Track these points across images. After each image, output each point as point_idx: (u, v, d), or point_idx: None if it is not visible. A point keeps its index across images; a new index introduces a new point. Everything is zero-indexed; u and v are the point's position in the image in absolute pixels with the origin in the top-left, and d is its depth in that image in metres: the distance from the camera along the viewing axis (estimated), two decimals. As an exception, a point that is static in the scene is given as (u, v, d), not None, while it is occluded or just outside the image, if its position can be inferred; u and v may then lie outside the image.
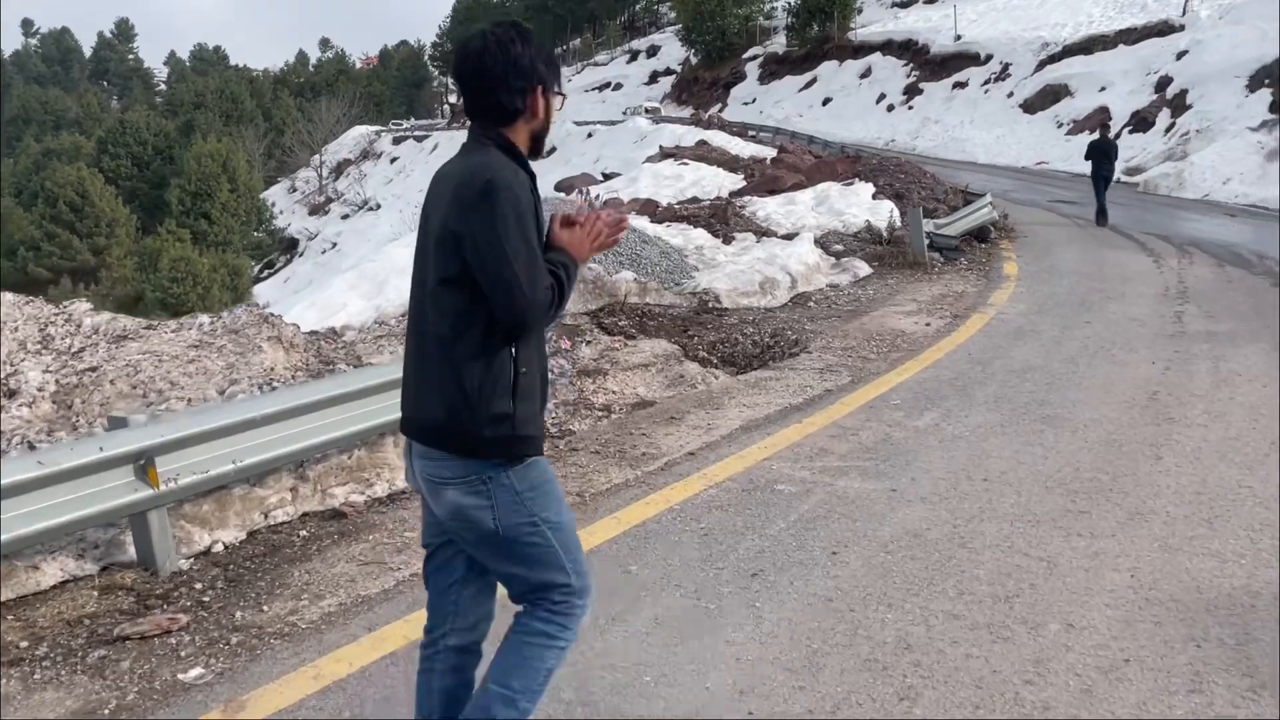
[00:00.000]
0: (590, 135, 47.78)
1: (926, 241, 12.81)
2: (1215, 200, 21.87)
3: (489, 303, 2.07)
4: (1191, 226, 16.58)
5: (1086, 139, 32.66)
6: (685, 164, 21.19)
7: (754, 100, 57.85)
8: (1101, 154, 17.08)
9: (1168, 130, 28.63)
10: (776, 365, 7.36)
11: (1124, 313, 8.99)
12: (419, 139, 72.66)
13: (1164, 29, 34.83)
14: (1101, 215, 16.65)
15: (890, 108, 46.67)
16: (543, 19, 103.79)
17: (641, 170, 20.88)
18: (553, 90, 2.21)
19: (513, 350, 2.12)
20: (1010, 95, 39.27)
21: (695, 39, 65.06)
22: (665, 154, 23.12)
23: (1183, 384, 6.45)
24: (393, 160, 70.24)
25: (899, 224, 13.51)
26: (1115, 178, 17.62)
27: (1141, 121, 30.39)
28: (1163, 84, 31.03)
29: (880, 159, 18.27)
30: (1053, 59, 38.83)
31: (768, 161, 22.91)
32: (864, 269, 11.69)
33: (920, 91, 45.76)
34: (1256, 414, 5.72)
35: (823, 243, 13.01)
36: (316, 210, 65.60)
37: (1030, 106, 37.37)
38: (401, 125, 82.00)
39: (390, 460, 4.85)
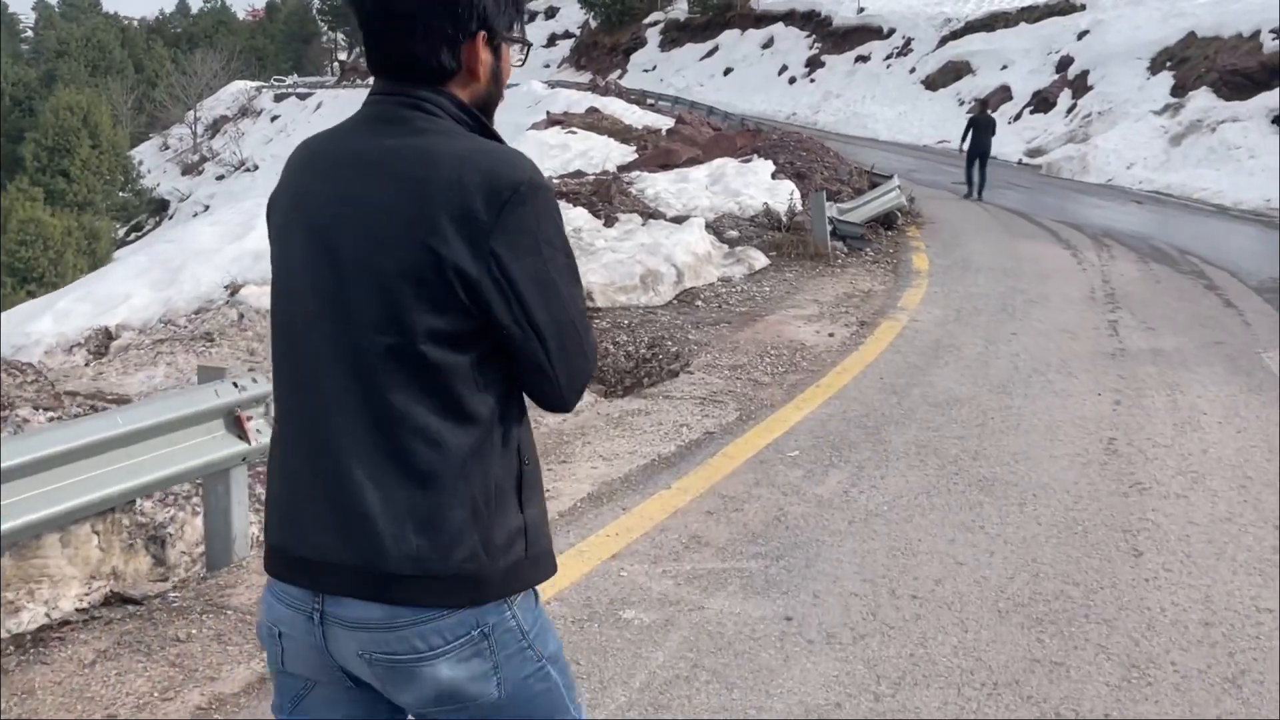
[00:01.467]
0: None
1: (829, 229, 11.56)
2: (1120, 185, 21.30)
3: (521, 377, 1.36)
4: (1101, 214, 15.76)
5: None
6: (574, 133, 19.58)
7: (655, 68, 56.30)
8: (979, 129, 17.86)
9: (1069, 111, 28.18)
10: (650, 390, 5.94)
11: (1052, 321, 7.84)
12: (302, 96, 69.40)
13: (1066, 8, 34.45)
14: (970, 190, 17.49)
15: (792, 80, 45.70)
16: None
17: (525, 138, 19.19)
18: (506, 36, 1.41)
19: (518, 436, 1.39)
20: (912, 71, 38.60)
21: (594, 2, 63.06)
22: (553, 121, 21.45)
23: (1140, 426, 5.25)
24: (273, 119, 66.74)
25: (800, 208, 12.22)
26: (993, 154, 18.71)
27: (1043, 102, 29.92)
28: (1064, 64, 30.60)
29: (780, 134, 17.02)
30: (955, 35, 38.26)
31: (663, 133, 21.47)
32: (760, 260, 10.35)
33: (822, 64, 44.85)
34: (1242, 476, 4.53)
35: (716, 227, 11.63)
36: (190, 170, 61.81)
37: (932, 83, 36.77)
38: (284, 81, 78.19)
39: (52, 570, 3.26)
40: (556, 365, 1.33)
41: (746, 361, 6.57)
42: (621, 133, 20.43)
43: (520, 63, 1.46)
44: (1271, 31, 22.85)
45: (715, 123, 28.69)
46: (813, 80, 44.43)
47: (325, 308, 1.32)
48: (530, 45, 1.49)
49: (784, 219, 11.96)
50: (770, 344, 7.07)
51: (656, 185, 13.58)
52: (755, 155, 14.72)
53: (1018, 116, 30.60)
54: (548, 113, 24.53)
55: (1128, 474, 4.54)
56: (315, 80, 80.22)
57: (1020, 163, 26.43)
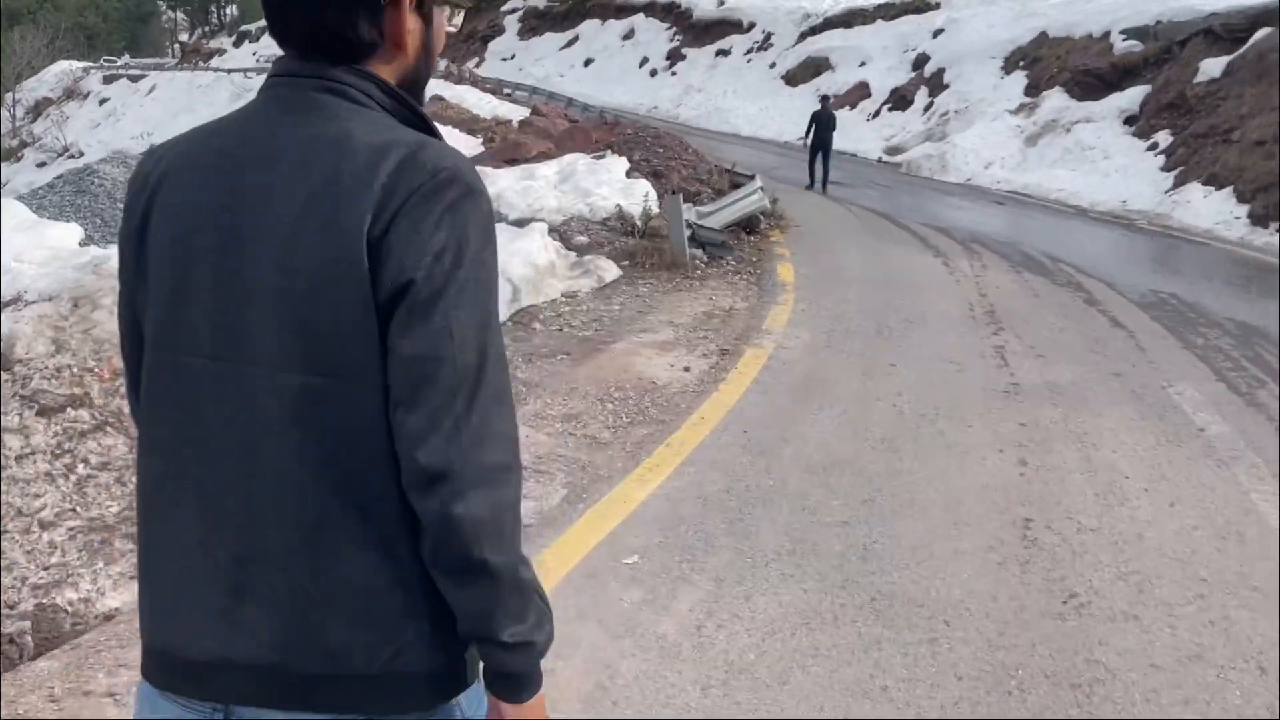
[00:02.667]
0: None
1: (688, 234, 10.48)
2: (979, 185, 21.09)
3: (401, 413, 1.05)
4: (965, 216, 15.25)
5: (847, 115, 32.04)
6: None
7: (513, 57, 54.55)
8: (821, 124, 18.59)
9: (926, 110, 28.11)
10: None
11: (933, 348, 6.92)
12: (134, 79, 65.01)
13: (921, 6, 34.58)
14: (812, 182, 18.13)
15: (653, 73, 44.82)
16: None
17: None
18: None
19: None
20: (773, 66, 38.23)
21: (452, -14, 60.73)
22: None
23: (1056, 499, 4.29)
24: (102, 101, 62.15)
25: (656, 210, 11.11)
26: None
27: (901, 99, 29.82)
28: (920, 62, 30.60)
29: (636, 128, 15.90)
30: (814, 31, 38.07)
31: (514, 124, 20.09)
32: (611, 271, 9.18)
33: (684, 57, 44.14)
34: (1195, 579, 3.58)
35: (563, 232, 10.41)
36: (8, 156, 56.77)
37: (793, 79, 36.47)
38: (115, 62, 73.25)
39: None
40: (450, 408, 1.04)
41: (584, 409, 5.37)
42: (468, 123, 18.98)
43: (456, 28, 1.24)
44: (1122, 32, 23.10)
45: (573, 115, 27.43)
46: (674, 73, 43.65)
47: (217, 346, 1.09)
48: (467, 7, 1.29)
49: (639, 223, 10.82)
50: (615, 383, 5.89)
51: (500, 183, 12.23)
52: (609, 151, 13.55)
53: (876, 114, 30.46)
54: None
55: (1057, 580, 3.53)
56: (155, 62, 75.66)
57: (880, 160, 26.17)
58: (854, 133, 30.05)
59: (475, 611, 1.09)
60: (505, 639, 1.09)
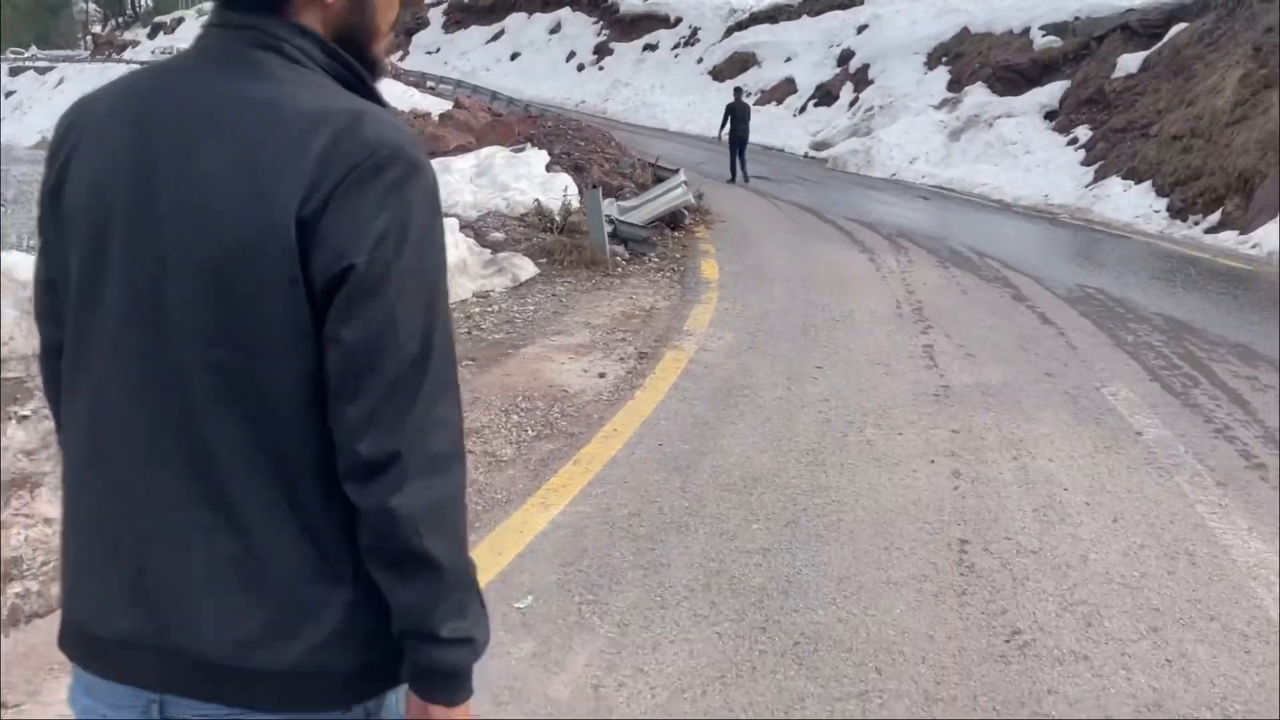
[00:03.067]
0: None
1: (609, 229, 10.07)
2: (904, 180, 21.04)
3: (341, 403, 1.00)
4: (891, 211, 15.09)
5: (774, 110, 31.94)
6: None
7: (438, 50, 53.58)
8: (736, 117, 18.65)
9: (852, 105, 28.08)
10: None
11: (860, 348, 6.60)
12: (41, 71, 62.64)
13: (846, 2, 34.58)
14: (734, 175, 18.26)
15: (581, 67, 44.35)
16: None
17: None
18: None
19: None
20: (700, 61, 38.03)
21: (373, -22, 59.47)
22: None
23: (993, 516, 3.96)
24: (7, 95, 59.70)
25: (576, 205, 10.66)
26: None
27: (827, 95, 29.78)
28: (845, 57, 30.61)
29: (558, 121, 15.39)
30: (740, 26, 37.97)
31: (434, 118, 19.45)
32: (527, 269, 8.72)
33: (611, 52, 43.72)
34: (1148, 608, 3.26)
35: (478, 229, 9.92)
36: (-99, 151, 54.04)
37: (720, 74, 36.27)
38: (21, 55, 70.45)
39: None
40: (390, 397, 0.99)
41: (487, 423, 4.91)
42: (383, 117, 18.24)
43: None
44: (1041, 28, 23.27)
45: (497, 109, 26.84)
46: (601, 68, 43.21)
47: (135, 315, 1.03)
48: None
49: (558, 218, 10.36)
50: (523, 391, 5.44)
51: (412, 178, 11.65)
52: (529, 144, 13.06)
53: (803, 109, 30.40)
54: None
55: (998, 614, 3.19)
56: (65, 54, 73.00)
57: (807, 155, 26.07)
58: (781, 128, 29.96)
59: (415, 605, 1.03)
60: (445, 634, 1.03)
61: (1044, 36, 23.11)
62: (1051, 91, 21.60)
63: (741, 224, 12.73)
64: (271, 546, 1.01)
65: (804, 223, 13.25)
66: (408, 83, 34.06)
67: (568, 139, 12.75)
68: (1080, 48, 21.98)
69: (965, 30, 26.30)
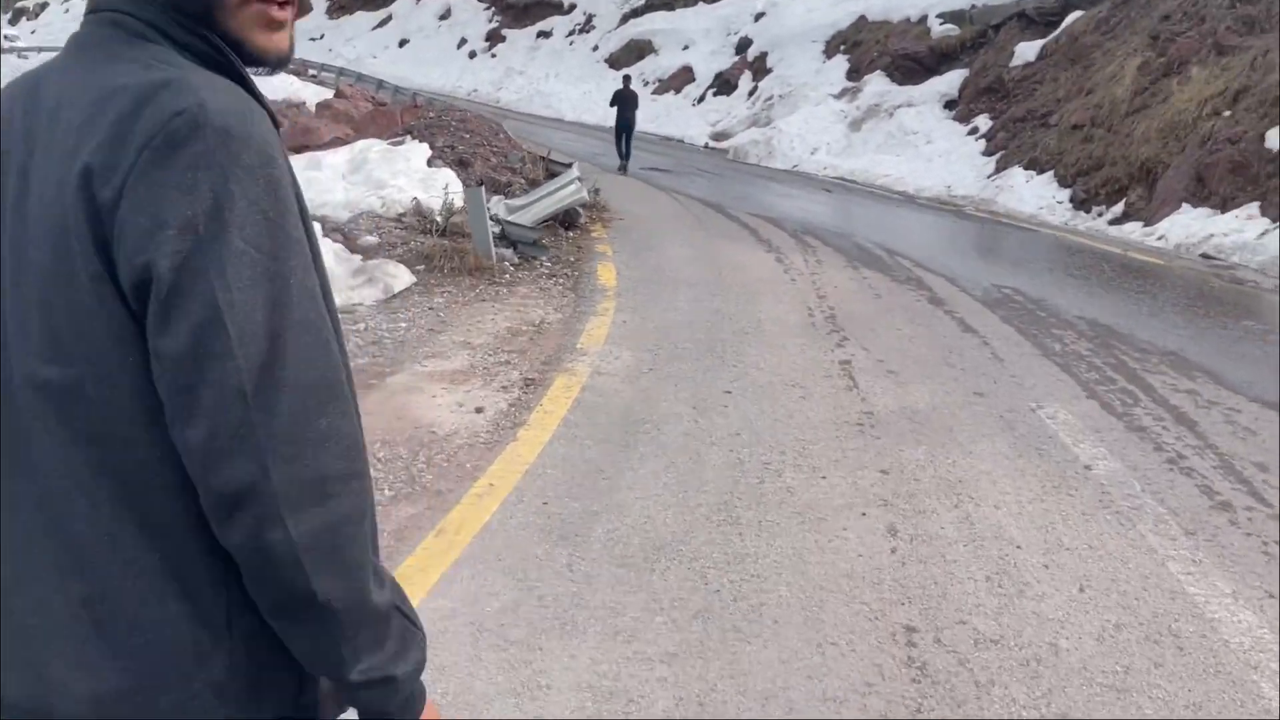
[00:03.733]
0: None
1: (495, 231, 9.24)
2: (806, 171, 20.65)
3: (178, 427, 0.87)
4: (795, 205, 14.58)
5: (673, 100, 31.34)
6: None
7: (322, 36, 51.70)
8: (624, 104, 18.67)
9: (751, 94, 27.64)
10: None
11: (773, 366, 5.94)
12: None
13: (743, -11, 34.19)
14: (622, 162, 18.27)
15: (472, 54, 43.14)
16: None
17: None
18: None
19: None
20: (595, 49, 37.24)
21: (253, -39, 57.02)
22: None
23: (942, 590, 3.31)
24: None
25: (460, 205, 9.78)
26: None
27: (725, 84, 29.29)
28: (743, 45, 30.17)
29: (441, 111, 14.38)
30: (636, 13, 37.28)
31: (309, 108, 18.22)
32: (403, 278, 7.82)
33: (503, 39, 42.64)
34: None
35: (348, 232, 8.97)
36: None
37: (616, 62, 35.55)
38: None
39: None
40: (199, 407, 0.84)
41: (334, 479, 4.06)
42: (255, 107, 16.96)
43: None
44: (938, 16, 23.15)
45: (381, 98, 25.57)
46: (494, 55, 42.07)
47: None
48: None
49: (439, 219, 9.46)
50: (384, 435, 4.60)
51: (279, 175, 10.60)
52: (409, 137, 12.08)
53: (701, 99, 29.86)
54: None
55: (967, 746, 2.52)
56: None
57: (707, 146, 25.52)
58: (680, 118, 29.37)
59: (314, 650, 0.91)
60: (355, 678, 0.92)
61: (942, 24, 22.99)
62: (950, 80, 21.47)
63: (642, 221, 12.01)
64: (125, 587, 0.89)
65: (707, 219, 12.60)
66: (287, 71, 32.58)
67: (451, 131, 11.83)
68: (978, 36, 21.90)
69: (863, 18, 26.07)
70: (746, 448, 4.56)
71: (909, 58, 22.82)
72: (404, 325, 6.68)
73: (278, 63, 1.01)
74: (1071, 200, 15.31)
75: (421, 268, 8.19)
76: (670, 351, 6.20)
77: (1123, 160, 14.86)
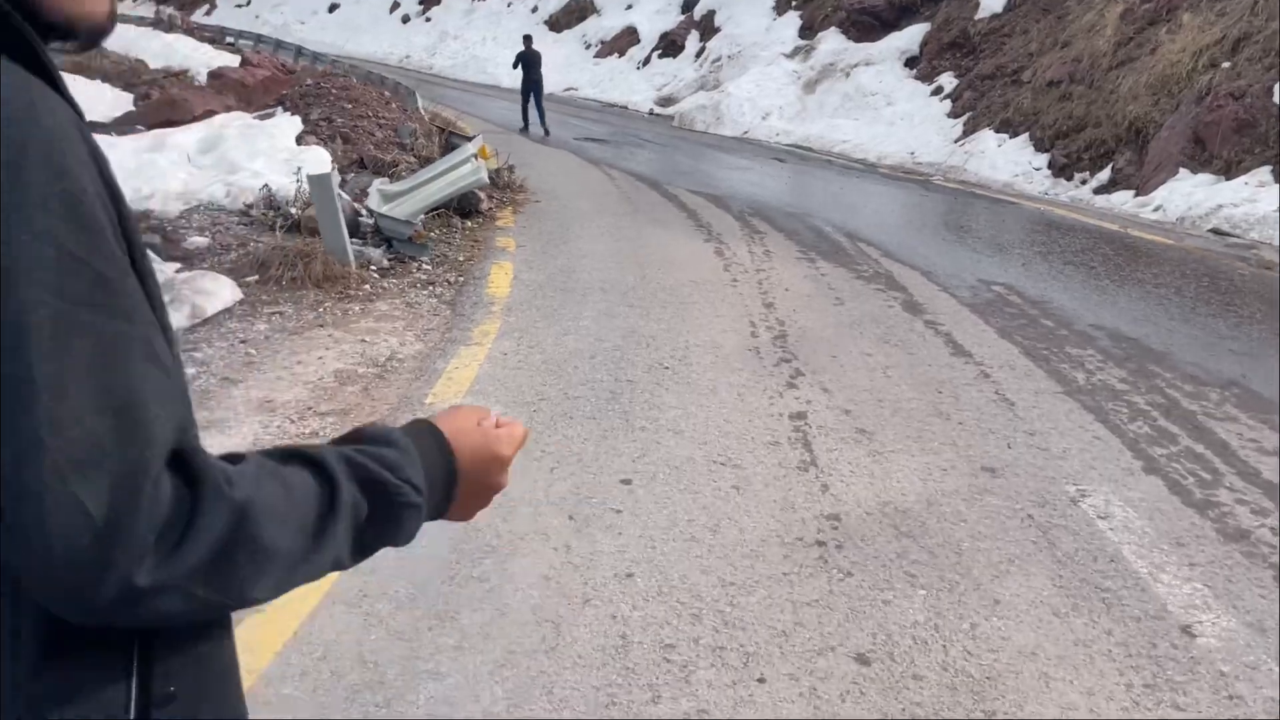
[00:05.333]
0: None
1: (370, 224, 7.44)
2: (756, 138, 18.87)
3: None
4: (743, 179, 12.80)
5: (616, 63, 29.34)
6: (48, 78, 13.68)
7: (249, 2, 48.78)
8: (528, 64, 18.28)
9: (699, 55, 25.73)
10: None
11: (697, 429, 4.19)
12: None
13: (688, -56, 32.12)
14: (526, 124, 17.92)
15: (406, 19, 40.71)
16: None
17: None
18: None
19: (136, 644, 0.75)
20: (535, 10, 35.05)
21: (173, -77, 53.96)
22: (21, 61, 15.27)
23: None
24: None
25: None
26: (546, 90, 19.29)
27: (671, 45, 27.33)
28: (690, 4, 28.18)
29: (318, 78, 12.34)
30: (577, -29, 35.06)
31: (194, 77, 16.08)
32: (221, 295, 5.96)
33: (438, 2, 40.20)
34: None
35: (171, 231, 7.09)
36: None
37: (556, 24, 33.50)
38: None
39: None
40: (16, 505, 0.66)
41: None
42: (124, 75, 14.83)
43: None
44: (896, -33, 21.29)
45: (294, 65, 23.34)
46: (428, 19, 39.68)
47: None
48: None
49: (295, 211, 7.58)
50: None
51: (110, 158, 8.64)
52: (279, 108, 10.13)
53: (646, 61, 27.89)
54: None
55: None
56: None
57: (652, 113, 23.63)
58: (623, 83, 27.40)
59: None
60: (359, 558, 0.83)
61: (900, -25, 21.15)
62: (911, 35, 19.72)
63: (562, 203, 10.19)
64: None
65: (640, 199, 10.79)
66: (201, 38, 30.19)
67: (330, 101, 9.91)
68: (939, -13, 20.11)
69: (813, -30, 24.16)
70: (637, 610, 2.81)
71: (866, 12, 21.01)
72: (194, 369, 4.83)
73: (91, 33, 0.81)
74: (1050, 166, 13.68)
75: (254, 278, 6.34)
76: (556, 405, 4.43)
77: (1107, 120, 13.24)
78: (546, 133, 17.41)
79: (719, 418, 4.30)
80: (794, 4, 24.19)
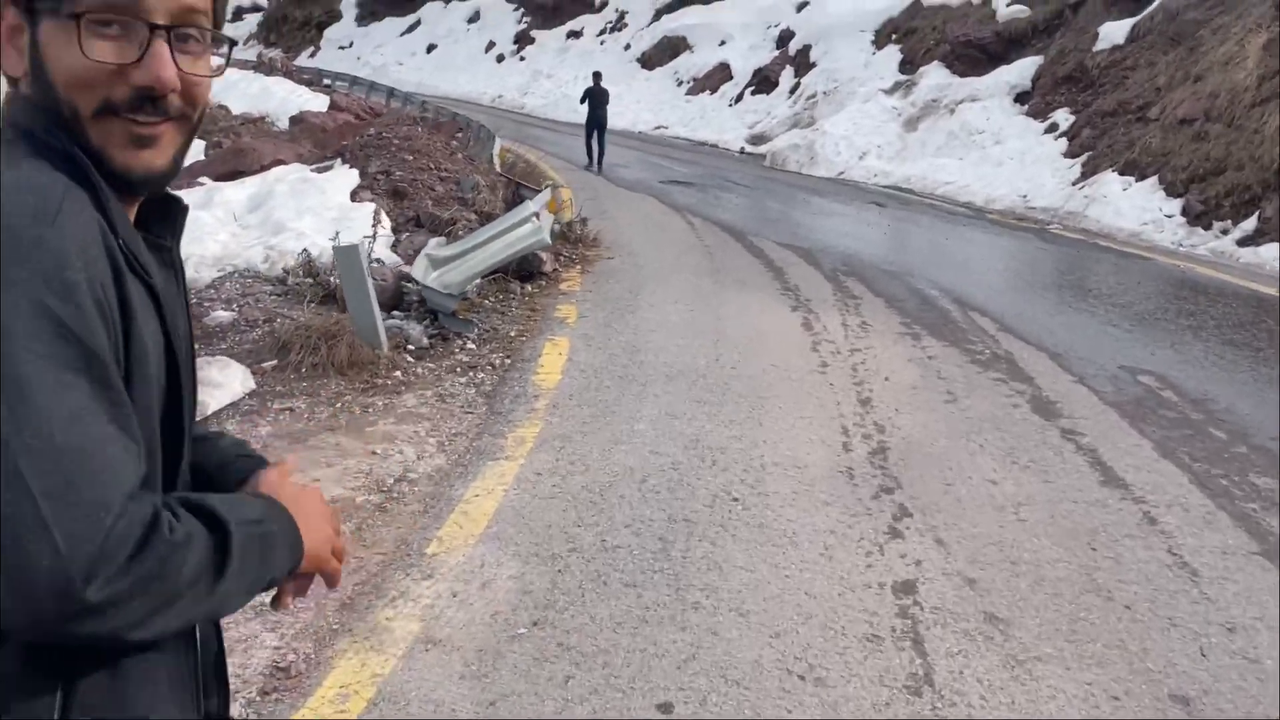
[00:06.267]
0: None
1: (416, 295, 6.69)
2: (853, 179, 17.76)
3: None
4: (838, 227, 11.75)
5: (707, 100, 28.56)
6: None
7: (351, 44, 49.76)
8: (595, 101, 18.09)
9: (793, 92, 24.76)
10: None
11: (766, 610, 3.18)
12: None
13: (783, -23, 31.28)
14: (590, 160, 17.72)
15: (500, 58, 40.78)
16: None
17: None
18: (60, 11, 0.91)
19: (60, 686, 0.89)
20: (627, 48, 34.62)
21: (281, -31, 55.86)
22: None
23: None
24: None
25: (379, 256, 7.16)
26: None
27: (765, 81, 26.43)
28: (785, 38, 27.32)
29: (380, 129, 11.68)
30: (670, 9, 34.56)
31: (274, 123, 15.80)
32: (231, 386, 5.20)
33: (533, 41, 40.23)
34: None
35: (195, 306, 6.39)
36: None
37: (649, 61, 32.99)
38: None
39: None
40: None
41: None
42: (205, 122, 14.60)
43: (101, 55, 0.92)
44: (1005, -3, 20.04)
45: (383, 107, 23.17)
46: (522, 58, 39.66)
47: None
48: (148, 38, 0.92)
49: (335, 279, 6.84)
50: None
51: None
52: (339, 159, 9.51)
53: (739, 98, 27.05)
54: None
55: None
56: None
57: (743, 152, 22.71)
58: (714, 120, 26.57)
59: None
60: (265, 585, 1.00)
61: (1009, 5, 19.90)
62: (1021, 69, 18.39)
63: (636, 260, 9.30)
64: None
65: (723, 253, 9.83)
66: (299, 80, 30.58)
67: (391, 152, 9.22)
68: (1053, 16, 18.78)
69: (917, 2, 23.08)
70: None
71: (971, 45, 19.76)
72: (169, 494, 4.03)
73: (146, 183, 0.96)
74: (1185, 214, 12.25)
75: (273, 363, 5.57)
76: (589, 561, 3.47)
77: (1251, 163, 11.79)
78: (599, 170, 17.28)
79: (799, 588, 3.29)
80: (894, 37, 23.07)
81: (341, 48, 49.82)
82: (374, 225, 7.06)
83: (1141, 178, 13.44)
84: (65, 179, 0.86)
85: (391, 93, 28.86)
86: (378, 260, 6.78)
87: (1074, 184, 14.53)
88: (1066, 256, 10.59)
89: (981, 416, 5.04)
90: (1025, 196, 14.79)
